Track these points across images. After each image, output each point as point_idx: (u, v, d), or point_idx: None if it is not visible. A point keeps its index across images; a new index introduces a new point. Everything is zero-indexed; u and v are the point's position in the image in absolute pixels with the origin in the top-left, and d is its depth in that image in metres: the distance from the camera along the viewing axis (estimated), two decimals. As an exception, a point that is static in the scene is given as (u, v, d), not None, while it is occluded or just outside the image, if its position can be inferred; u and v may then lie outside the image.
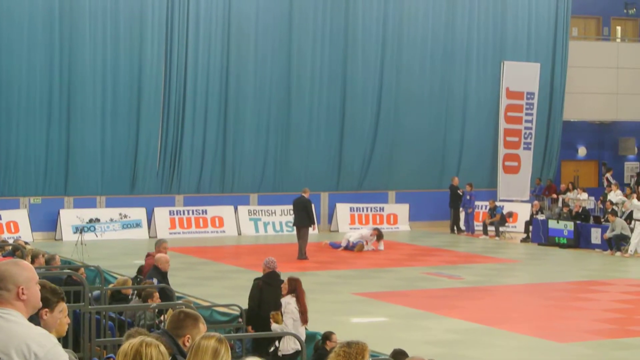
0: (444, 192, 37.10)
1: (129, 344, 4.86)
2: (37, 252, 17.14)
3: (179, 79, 33.95)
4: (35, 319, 6.24)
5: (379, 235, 30.60)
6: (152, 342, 4.87)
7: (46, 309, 6.50)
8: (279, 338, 14.34)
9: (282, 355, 14.16)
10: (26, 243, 21.96)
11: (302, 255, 27.71)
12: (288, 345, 14.24)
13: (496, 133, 37.89)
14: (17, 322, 5.09)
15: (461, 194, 35.60)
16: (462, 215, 36.03)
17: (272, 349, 14.47)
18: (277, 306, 14.76)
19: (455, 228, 35.83)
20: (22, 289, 5.17)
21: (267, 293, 15.43)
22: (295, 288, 14.54)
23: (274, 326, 14.38)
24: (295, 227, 28.70)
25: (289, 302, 14.39)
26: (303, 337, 13.71)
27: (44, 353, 4.98)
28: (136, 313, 14.74)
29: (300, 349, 13.61)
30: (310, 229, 28.51)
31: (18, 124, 31.89)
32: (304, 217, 28.07)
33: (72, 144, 32.67)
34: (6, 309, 5.14)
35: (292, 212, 29.54)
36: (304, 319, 14.51)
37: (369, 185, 37.06)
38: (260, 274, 15.99)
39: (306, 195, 28.40)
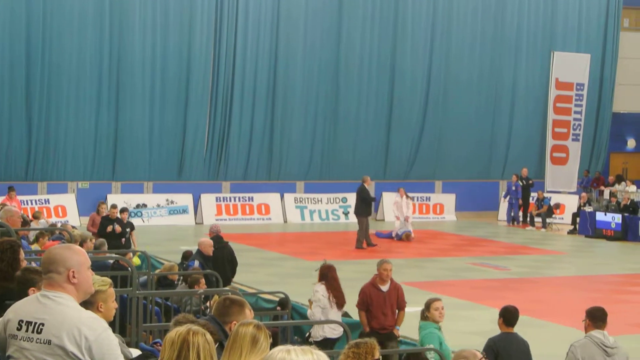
0: (491, 182, 36.92)
1: (176, 332, 4.87)
2: (85, 236, 17.26)
3: (227, 65, 34.02)
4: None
5: (405, 194, 30.50)
6: (199, 331, 4.88)
7: None
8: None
9: (314, 341, 13.94)
10: (74, 227, 22.16)
11: (358, 245, 27.68)
12: (317, 333, 14.21)
13: (544, 123, 37.63)
14: (69, 306, 5.15)
15: (532, 184, 35.23)
16: (505, 206, 35.86)
17: (307, 334, 14.50)
18: (223, 264, 17.68)
19: (527, 219, 35.21)
20: (73, 272, 5.22)
21: (214, 253, 17.80)
22: (326, 275, 14.35)
23: (309, 313, 14.38)
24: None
25: (316, 290, 14.23)
26: (338, 324, 13.72)
27: (95, 337, 5.03)
28: (182, 299, 14.84)
29: (330, 336, 13.75)
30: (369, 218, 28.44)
31: (67, 110, 32.12)
32: (356, 206, 28.25)
33: (120, 130, 32.90)
34: (57, 292, 5.20)
35: (339, 200, 29.54)
36: (339, 304, 14.35)
37: (415, 174, 36.93)
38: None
39: (364, 184, 28.34)
